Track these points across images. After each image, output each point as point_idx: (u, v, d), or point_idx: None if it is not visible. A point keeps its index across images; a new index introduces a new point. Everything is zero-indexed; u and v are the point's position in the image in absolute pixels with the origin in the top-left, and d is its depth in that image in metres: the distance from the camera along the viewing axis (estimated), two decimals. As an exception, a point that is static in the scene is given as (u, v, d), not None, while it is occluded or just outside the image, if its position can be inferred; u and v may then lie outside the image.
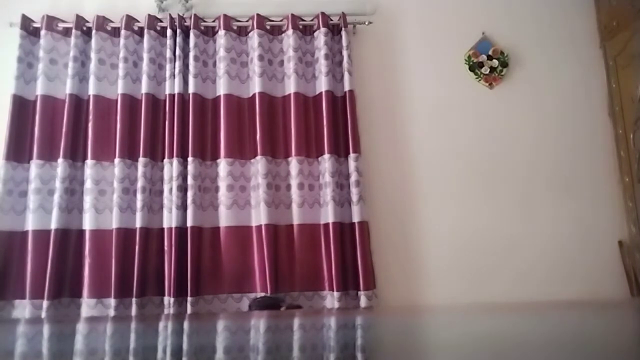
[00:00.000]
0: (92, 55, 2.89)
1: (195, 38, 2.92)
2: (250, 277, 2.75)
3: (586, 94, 3.04)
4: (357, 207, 2.76)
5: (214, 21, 3.01)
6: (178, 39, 2.93)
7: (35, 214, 2.71)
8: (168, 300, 2.63)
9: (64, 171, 2.73)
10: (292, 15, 2.99)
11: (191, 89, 2.86)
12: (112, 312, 2.59)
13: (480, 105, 3.03)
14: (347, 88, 2.90)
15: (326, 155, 2.81)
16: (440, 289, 2.78)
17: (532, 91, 3.05)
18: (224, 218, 2.78)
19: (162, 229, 2.75)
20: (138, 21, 2.98)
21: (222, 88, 2.89)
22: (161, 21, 2.99)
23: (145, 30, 2.93)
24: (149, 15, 2.96)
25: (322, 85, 2.89)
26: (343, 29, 2.97)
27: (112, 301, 2.61)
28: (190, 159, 2.77)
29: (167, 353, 0.71)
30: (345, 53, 2.93)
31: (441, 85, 3.06)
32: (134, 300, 2.61)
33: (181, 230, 2.71)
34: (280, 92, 2.96)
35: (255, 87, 2.89)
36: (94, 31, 2.91)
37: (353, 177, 2.79)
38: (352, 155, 2.81)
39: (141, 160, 2.77)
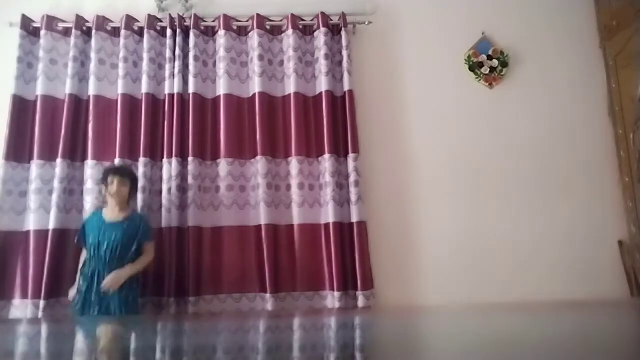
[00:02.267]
0: (92, 55, 2.89)
1: (195, 38, 2.92)
2: (249, 277, 2.74)
3: (586, 94, 3.04)
4: (356, 207, 2.76)
5: (214, 21, 3.01)
6: (178, 39, 2.93)
7: (36, 214, 2.71)
8: (168, 300, 2.63)
9: (62, 171, 2.72)
10: (292, 15, 2.99)
11: (191, 89, 2.86)
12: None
13: (480, 105, 3.03)
14: (346, 88, 2.90)
15: (326, 155, 2.81)
16: (439, 289, 2.78)
17: (532, 91, 3.05)
18: (224, 218, 2.78)
19: (162, 229, 2.74)
20: (138, 21, 2.98)
21: (222, 88, 2.89)
22: (161, 21, 2.99)
23: (145, 30, 2.93)
24: (149, 15, 2.96)
25: (322, 85, 2.89)
26: (343, 29, 2.97)
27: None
28: (190, 158, 2.77)
29: (166, 353, 0.71)
30: (345, 53, 2.93)
31: (441, 85, 3.05)
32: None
33: (181, 230, 2.71)
34: (280, 92, 2.96)
35: (255, 87, 2.89)
36: (94, 31, 2.91)
37: (352, 177, 2.78)
38: (351, 155, 2.81)
39: (141, 160, 2.77)
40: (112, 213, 2.45)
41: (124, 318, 2.17)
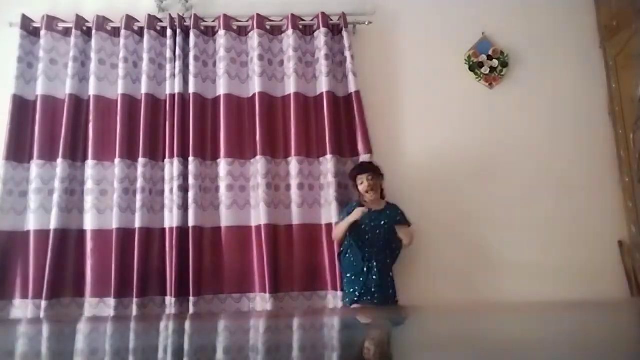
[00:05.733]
0: (92, 55, 2.89)
1: (195, 38, 2.92)
2: (249, 278, 2.75)
3: (586, 94, 3.04)
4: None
5: (214, 21, 3.01)
6: (178, 39, 2.93)
7: (36, 214, 2.71)
8: (169, 300, 2.63)
9: (63, 171, 2.73)
10: (292, 15, 2.98)
11: (191, 89, 2.86)
12: (113, 312, 2.58)
13: (480, 105, 3.03)
14: (352, 89, 2.89)
15: (328, 156, 2.81)
16: (439, 290, 2.78)
17: (532, 91, 3.05)
18: (224, 218, 2.78)
19: (164, 229, 2.75)
20: (138, 21, 2.98)
21: (222, 88, 2.89)
22: (161, 21, 2.99)
23: (145, 30, 2.93)
24: (149, 15, 2.96)
25: (322, 85, 2.89)
26: (344, 29, 2.97)
27: (112, 301, 2.60)
28: (190, 158, 2.77)
29: (167, 353, 0.71)
30: (348, 54, 2.92)
31: (441, 85, 3.05)
32: (134, 300, 2.61)
33: (182, 230, 2.71)
34: (280, 92, 2.96)
35: (255, 87, 2.89)
36: (94, 31, 2.91)
37: None
38: (363, 157, 2.81)
39: (141, 160, 2.77)
40: (372, 204, 2.58)
41: (124, 318, 2.17)
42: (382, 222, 2.55)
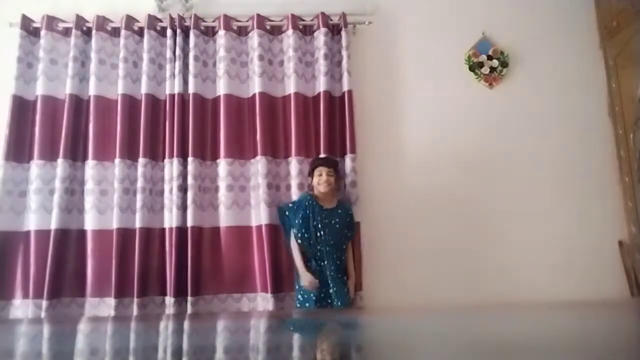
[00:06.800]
0: (92, 55, 2.89)
1: (195, 38, 2.92)
2: (250, 277, 2.75)
3: (586, 94, 3.04)
4: (354, 208, 2.75)
5: (214, 21, 3.01)
6: (178, 39, 2.93)
7: (36, 214, 2.71)
8: (169, 300, 2.63)
9: (63, 171, 2.73)
10: (292, 15, 2.98)
11: (191, 89, 2.86)
12: (113, 312, 2.58)
13: (480, 105, 3.03)
14: (345, 88, 2.90)
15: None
16: (439, 290, 2.77)
17: (532, 91, 3.05)
18: (224, 218, 2.78)
19: (163, 229, 2.75)
20: (138, 21, 2.98)
21: (222, 88, 2.89)
22: (161, 21, 2.99)
23: (145, 30, 2.93)
24: (149, 15, 2.96)
25: (321, 85, 2.89)
26: (343, 29, 2.97)
27: (113, 301, 2.61)
28: (190, 159, 2.78)
29: (167, 353, 0.71)
30: (344, 53, 2.93)
31: (441, 85, 3.05)
32: (135, 300, 2.61)
33: (181, 230, 2.71)
34: (280, 92, 2.96)
35: (255, 87, 2.89)
36: (94, 31, 2.91)
37: (350, 178, 2.78)
38: (349, 156, 2.81)
39: (141, 160, 2.78)
40: (324, 201, 2.56)
41: (123, 318, 2.17)
42: (333, 221, 2.53)
